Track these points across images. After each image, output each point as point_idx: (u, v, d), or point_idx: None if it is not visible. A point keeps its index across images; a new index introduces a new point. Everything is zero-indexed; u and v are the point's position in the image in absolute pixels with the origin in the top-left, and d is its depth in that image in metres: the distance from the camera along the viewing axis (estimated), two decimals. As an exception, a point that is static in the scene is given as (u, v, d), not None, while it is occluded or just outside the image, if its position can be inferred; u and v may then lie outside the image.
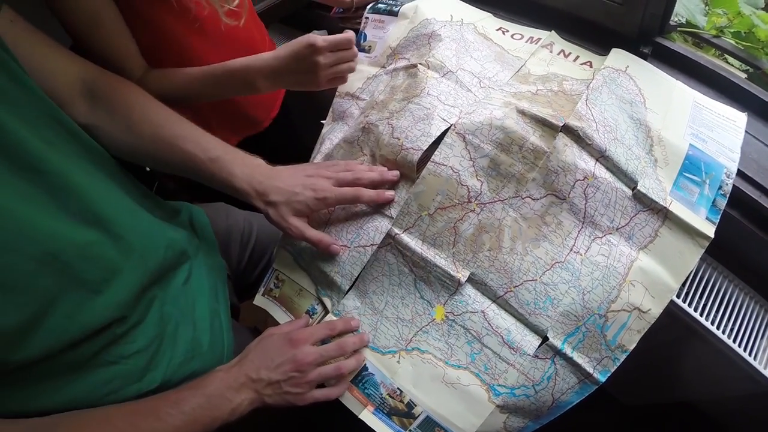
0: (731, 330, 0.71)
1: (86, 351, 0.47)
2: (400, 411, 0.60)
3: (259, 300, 0.73)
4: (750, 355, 0.69)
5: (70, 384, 0.47)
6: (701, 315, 0.70)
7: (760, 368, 0.69)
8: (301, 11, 1.02)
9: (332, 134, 0.77)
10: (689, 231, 0.61)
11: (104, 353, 0.49)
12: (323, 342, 0.62)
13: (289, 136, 1.02)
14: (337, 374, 0.60)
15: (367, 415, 0.60)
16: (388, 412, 0.60)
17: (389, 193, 0.63)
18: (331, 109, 0.82)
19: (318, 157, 0.76)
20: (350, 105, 0.79)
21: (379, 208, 0.65)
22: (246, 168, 0.61)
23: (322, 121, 0.81)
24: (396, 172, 0.64)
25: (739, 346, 0.70)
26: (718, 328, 0.70)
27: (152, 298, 0.55)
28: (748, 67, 0.82)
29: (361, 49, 0.84)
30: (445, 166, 0.61)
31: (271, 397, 0.57)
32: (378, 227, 0.64)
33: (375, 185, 0.63)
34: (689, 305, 0.70)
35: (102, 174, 0.53)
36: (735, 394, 0.78)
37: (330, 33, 0.97)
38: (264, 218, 0.63)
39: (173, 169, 0.62)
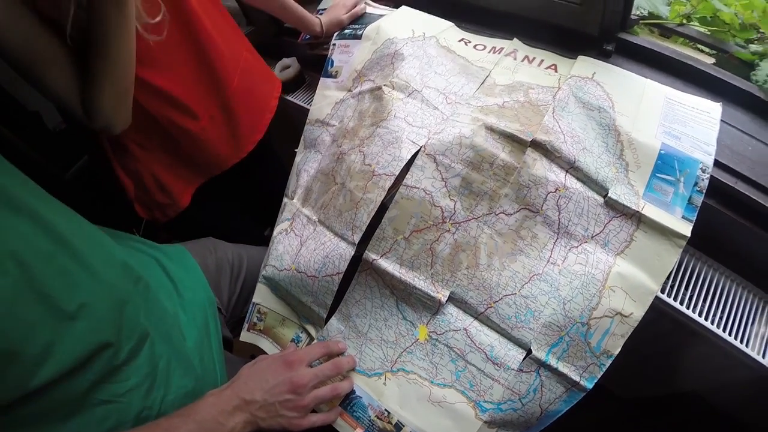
0: (720, 319, 0.71)
1: (79, 385, 0.47)
2: None
3: (246, 336, 0.74)
4: (741, 342, 0.70)
5: (66, 424, 0.47)
6: (688, 308, 0.70)
7: (753, 354, 0.69)
8: (270, 40, 1.02)
9: (307, 164, 0.78)
10: (665, 232, 0.61)
11: (98, 391, 0.50)
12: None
13: (271, 164, 1.02)
14: (333, 395, 0.60)
15: None
16: None
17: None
18: (302, 137, 0.82)
19: (299, 191, 0.76)
20: (321, 132, 0.79)
21: (343, 236, 0.65)
22: None
23: (295, 150, 0.81)
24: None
25: (730, 334, 0.70)
26: (706, 319, 0.70)
27: (143, 336, 0.55)
28: (716, 52, 0.82)
29: (329, 75, 0.85)
30: (418, 188, 0.61)
31: (266, 420, 0.55)
32: (342, 255, 0.64)
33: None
34: (675, 299, 0.71)
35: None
36: (731, 382, 0.78)
37: (300, 60, 0.97)
38: (254, 250, 0.63)
39: None
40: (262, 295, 0.73)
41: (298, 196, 0.77)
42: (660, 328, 0.74)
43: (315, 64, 0.90)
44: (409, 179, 0.62)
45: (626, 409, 1.17)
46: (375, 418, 0.62)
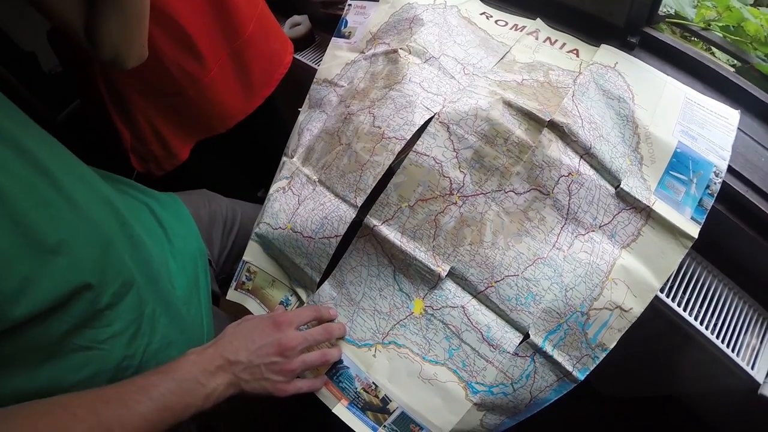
0: (715, 326, 0.70)
1: (56, 328, 0.44)
2: (375, 406, 0.59)
3: (232, 294, 0.70)
4: (733, 351, 0.69)
5: (41, 369, 0.44)
6: (685, 310, 0.70)
7: (743, 365, 0.69)
8: None
9: (310, 123, 0.75)
10: (672, 231, 0.60)
11: (77, 335, 0.46)
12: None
13: (275, 123, 0.98)
14: (322, 361, 0.57)
15: (341, 410, 0.59)
16: (362, 406, 0.59)
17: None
18: (307, 96, 0.79)
19: (299, 150, 0.73)
20: (328, 92, 0.76)
21: (344, 198, 0.63)
22: None
23: (299, 109, 0.78)
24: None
25: (722, 342, 0.69)
26: (701, 324, 0.69)
27: (128, 281, 0.51)
28: (735, 62, 0.81)
29: (341, 35, 0.82)
30: (428, 156, 0.59)
31: (249, 383, 0.52)
32: (342, 217, 0.62)
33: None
34: (673, 300, 0.70)
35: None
36: (718, 390, 0.78)
37: (311, 18, 0.94)
38: (248, 206, 0.60)
39: None
40: (253, 254, 0.70)
41: (299, 155, 0.73)
42: (654, 327, 0.73)
43: (326, 24, 0.87)
44: (419, 146, 0.59)
45: (606, 407, 1.16)
46: (361, 391, 0.59)
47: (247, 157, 1.03)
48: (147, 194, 0.67)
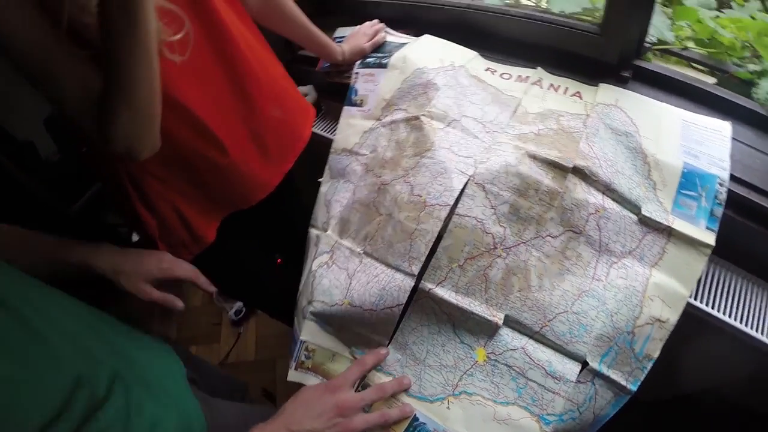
0: (741, 315, 0.77)
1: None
2: None
3: (293, 375, 0.74)
4: (762, 333, 0.76)
5: None
6: (711, 307, 0.77)
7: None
8: (285, 67, 1.03)
9: (337, 194, 0.79)
10: (692, 243, 0.66)
11: None
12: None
13: (291, 198, 1.00)
14: (382, 421, 0.61)
15: None
16: None
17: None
18: (327, 167, 0.83)
19: (332, 222, 0.77)
20: (350, 161, 0.81)
21: (399, 267, 0.68)
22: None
23: (319, 180, 0.81)
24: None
25: (751, 327, 0.77)
26: (728, 315, 0.77)
27: (114, 373, 0.49)
28: (716, 73, 0.88)
29: (353, 104, 0.86)
30: (470, 217, 0.65)
31: None
32: (401, 286, 0.66)
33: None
34: (701, 302, 0.76)
35: None
36: (753, 374, 0.84)
37: (317, 88, 0.98)
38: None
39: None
40: (310, 332, 0.74)
41: (332, 227, 0.78)
42: (687, 328, 0.79)
43: (332, 93, 0.91)
44: (461, 209, 0.65)
45: (646, 412, 1.22)
46: None
47: (265, 229, 1.04)
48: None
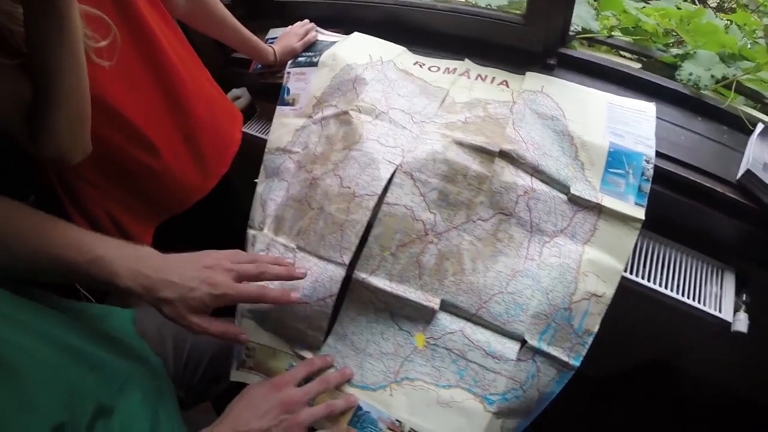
0: (678, 286, 0.79)
1: None
2: None
3: (236, 375, 0.73)
4: (699, 302, 0.78)
5: None
6: (649, 281, 0.78)
7: (711, 311, 0.78)
8: (218, 70, 1.03)
9: (272, 193, 0.79)
10: (623, 218, 0.68)
11: None
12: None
13: (230, 197, 1.00)
14: (327, 412, 0.61)
15: None
16: None
17: (300, 271, 0.63)
18: (262, 167, 0.83)
19: (267, 221, 0.77)
20: (283, 160, 0.81)
21: (330, 259, 0.68)
22: (130, 264, 0.54)
23: (255, 180, 0.81)
24: (303, 271, 0.64)
25: (688, 297, 0.78)
26: (666, 287, 0.78)
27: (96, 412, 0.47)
28: (642, 59, 0.92)
29: (286, 103, 0.86)
30: (399, 205, 0.66)
31: None
32: (333, 277, 0.67)
33: (281, 279, 0.62)
34: (637, 276, 0.78)
35: None
36: (695, 342, 0.86)
37: (251, 90, 0.99)
38: None
39: (55, 279, 0.54)
40: (249, 331, 0.72)
41: (268, 226, 0.78)
42: (626, 301, 0.81)
43: (266, 94, 0.91)
44: (389, 197, 0.66)
45: (596, 387, 1.23)
46: (387, 430, 0.64)
47: (204, 234, 1.03)
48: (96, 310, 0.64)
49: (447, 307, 0.65)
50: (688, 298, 0.79)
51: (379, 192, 0.66)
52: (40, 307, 0.50)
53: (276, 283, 0.66)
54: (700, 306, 0.78)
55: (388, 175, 0.67)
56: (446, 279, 0.65)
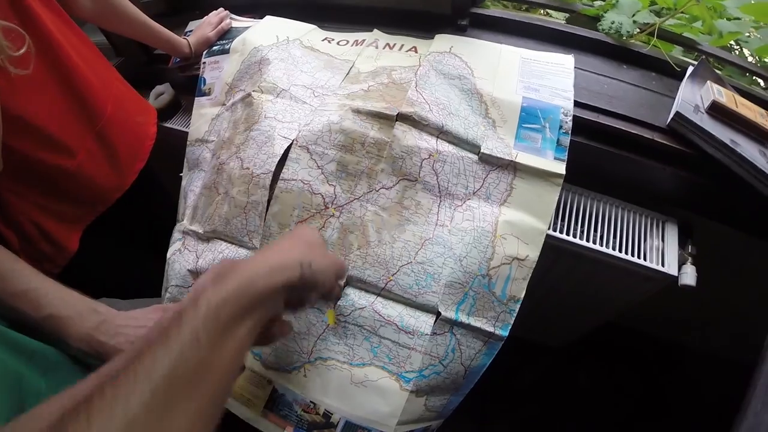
0: (615, 243, 0.75)
1: None
2: (319, 423, 0.60)
3: None
4: (641, 258, 0.74)
5: None
6: (582, 239, 0.74)
7: (655, 266, 0.73)
8: (142, 69, 1.02)
9: (192, 184, 0.77)
10: (541, 175, 0.65)
11: None
12: None
13: (158, 194, 0.99)
14: None
15: None
16: (307, 428, 0.60)
17: None
18: (185, 160, 0.82)
19: (187, 212, 0.76)
20: (201, 150, 0.79)
21: (241, 243, 0.66)
22: (83, 326, 0.54)
23: (180, 174, 0.80)
24: None
25: (628, 254, 0.74)
26: (602, 245, 0.74)
27: None
28: (567, 14, 0.89)
29: (202, 94, 0.85)
30: (295, 180, 0.63)
31: None
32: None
33: None
34: (568, 234, 0.74)
35: None
36: (645, 300, 0.81)
37: (173, 84, 0.98)
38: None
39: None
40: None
41: (187, 216, 0.76)
42: (564, 264, 0.77)
43: (189, 87, 0.90)
44: (285, 173, 0.63)
45: (563, 357, 1.21)
46: (302, 413, 0.61)
47: (136, 234, 1.03)
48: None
49: (354, 282, 0.62)
50: (629, 254, 0.74)
51: (273, 169, 0.63)
52: None
53: None
54: (641, 261, 0.73)
55: (281, 151, 0.64)
56: (351, 253, 0.62)
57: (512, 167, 0.65)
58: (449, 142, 0.65)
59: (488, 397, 0.67)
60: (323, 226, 0.62)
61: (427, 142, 0.64)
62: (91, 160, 0.80)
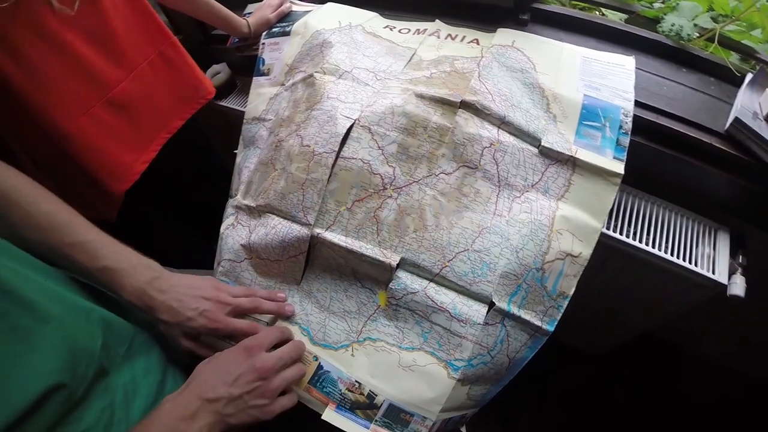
0: (668, 246, 0.74)
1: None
2: (362, 404, 0.59)
3: (204, 339, 0.70)
4: (692, 264, 0.73)
5: None
6: (635, 240, 0.73)
7: (705, 273, 0.72)
8: (198, 47, 1.03)
9: (247, 161, 0.78)
10: (600, 173, 0.64)
11: None
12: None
13: (216, 176, 0.99)
14: (301, 374, 0.58)
15: (330, 414, 0.59)
16: (350, 407, 0.60)
17: (288, 308, 0.65)
18: (241, 137, 0.82)
19: (241, 187, 0.76)
20: (258, 128, 0.80)
21: (294, 218, 0.66)
22: (136, 281, 0.55)
23: (235, 151, 0.81)
24: (291, 308, 0.65)
25: (679, 258, 0.73)
26: (654, 247, 0.73)
27: (97, 374, 0.49)
28: (625, 15, 0.88)
29: (261, 74, 0.86)
30: (355, 159, 0.63)
31: (235, 416, 0.51)
32: (299, 237, 0.64)
33: (272, 314, 0.64)
34: (621, 234, 0.73)
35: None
36: (691, 309, 0.80)
37: (230, 64, 0.99)
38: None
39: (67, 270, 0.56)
40: None
41: (241, 192, 0.76)
42: (613, 265, 0.76)
43: (245, 68, 0.91)
44: (346, 151, 0.63)
45: (600, 367, 1.18)
46: (346, 391, 0.60)
47: (196, 216, 1.02)
48: None
49: (407, 265, 0.61)
50: (679, 258, 0.73)
51: (336, 149, 0.63)
52: (48, 267, 0.51)
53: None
54: (692, 267, 0.73)
55: (344, 130, 0.64)
56: (407, 236, 0.61)
57: (571, 162, 0.65)
58: (510, 133, 0.65)
59: (515, 395, 0.66)
60: (380, 207, 0.62)
61: (488, 131, 0.64)
62: (95, 124, 0.78)
